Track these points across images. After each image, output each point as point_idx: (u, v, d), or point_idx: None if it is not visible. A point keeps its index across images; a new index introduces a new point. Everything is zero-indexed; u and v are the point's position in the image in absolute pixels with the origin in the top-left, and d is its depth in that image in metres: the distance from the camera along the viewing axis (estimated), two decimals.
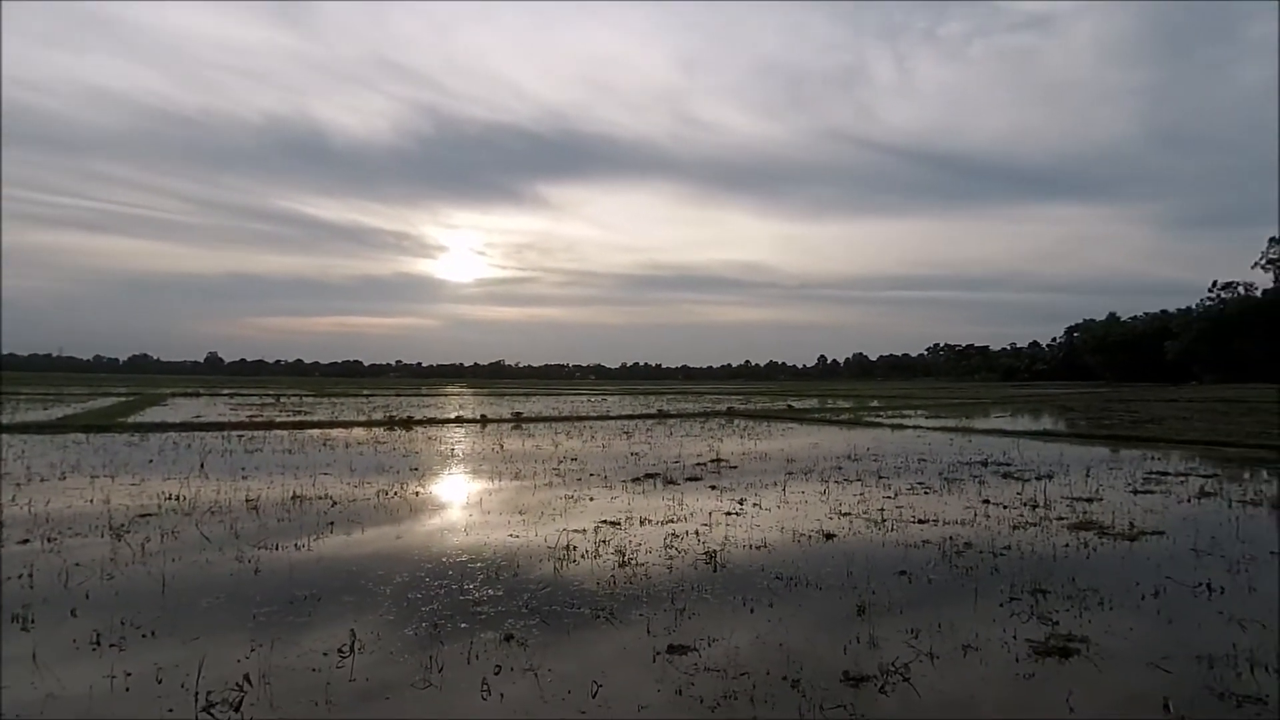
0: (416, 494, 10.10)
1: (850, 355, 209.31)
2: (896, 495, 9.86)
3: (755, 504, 9.23)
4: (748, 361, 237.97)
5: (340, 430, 20.84)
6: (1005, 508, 8.91)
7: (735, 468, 12.90)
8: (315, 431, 20.19)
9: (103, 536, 7.26)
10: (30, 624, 4.81)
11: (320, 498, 9.61)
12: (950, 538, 7.27)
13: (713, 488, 10.60)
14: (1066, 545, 6.97)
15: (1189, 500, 9.42)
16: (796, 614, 5.04)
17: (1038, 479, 11.30)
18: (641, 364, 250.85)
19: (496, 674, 4.05)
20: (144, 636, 4.59)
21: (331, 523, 8.06)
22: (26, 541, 7.02)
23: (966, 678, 4.02)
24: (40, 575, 5.88)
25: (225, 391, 49.58)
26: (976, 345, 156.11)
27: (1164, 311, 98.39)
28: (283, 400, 38.34)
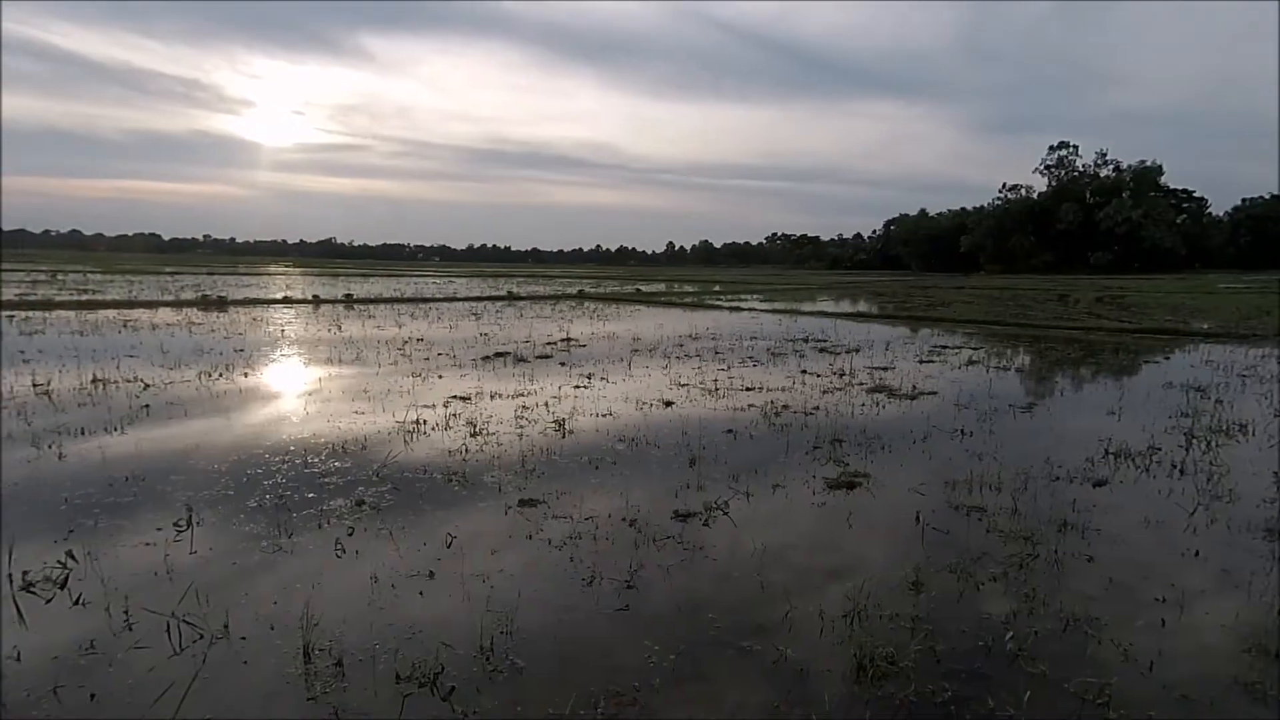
0: (245, 376, 9.47)
1: (697, 242, 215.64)
2: (730, 368, 10.81)
3: (602, 378, 9.72)
4: (599, 246, 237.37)
5: (143, 311, 18.48)
6: (819, 376, 10.13)
7: (584, 347, 13.31)
8: (111, 313, 17.75)
9: None
10: None
11: (129, 381, 8.72)
12: (772, 402, 8.22)
13: (562, 364, 10.95)
14: (863, 405, 8.17)
15: (960, 367, 11.27)
16: (636, 470, 5.59)
17: (848, 353, 12.85)
18: (490, 246, 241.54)
19: (350, 535, 4.19)
20: None
21: (146, 406, 7.42)
22: None
23: (774, 508, 4.78)
24: None
25: None
26: (809, 235, 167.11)
27: (963, 209, 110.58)
28: (61, 278, 32.86)
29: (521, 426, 6.87)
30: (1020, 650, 3.02)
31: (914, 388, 9.24)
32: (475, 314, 20.40)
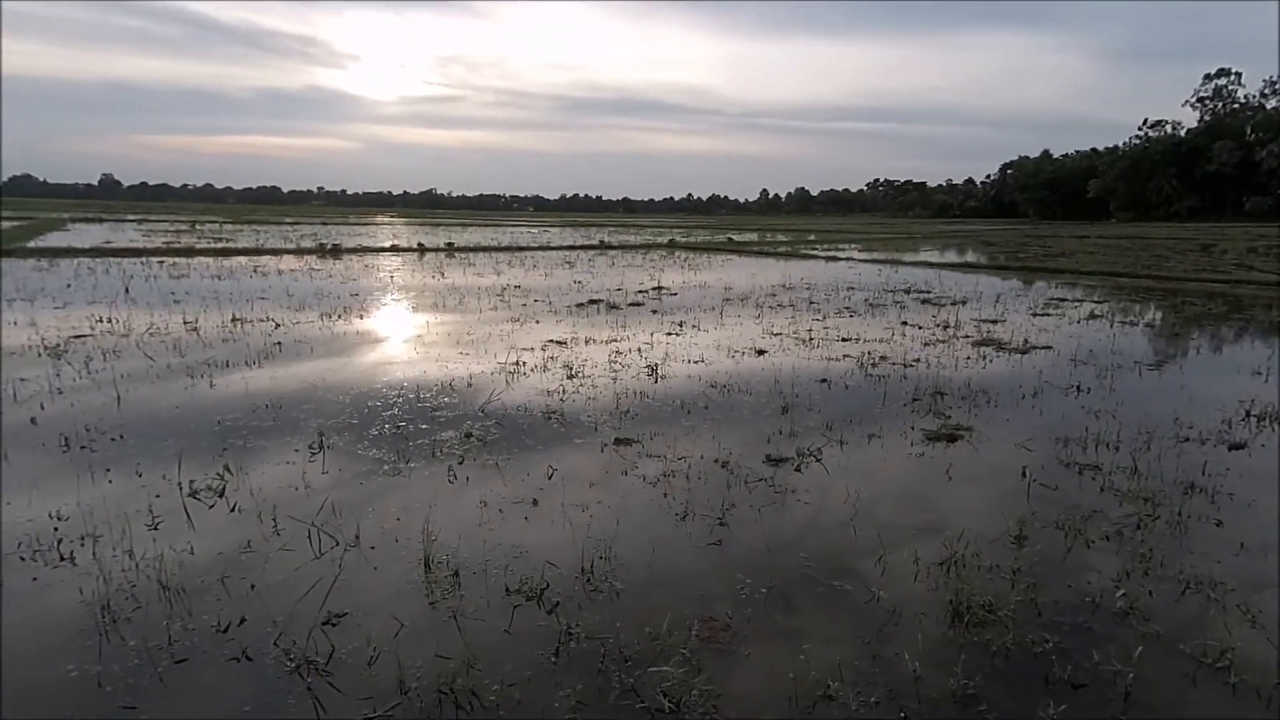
0: (360, 319, 10.15)
1: (793, 190, 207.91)
2: (825, 319, 10.55)
3: (694, 326, 9.75)
4: (690, 195, 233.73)
5: (269, 258, 20.02)
6: (920, 328, 9.72)
7: (675, 295, 13.33)
8: (242, 259, 19.35)
9: (40, 356, 7.16)
10: None
11: (262, 320, 9.56)
12: (869, 353, 8.00)
13: (654, 312, 11.05)
14: (968, 358, 7.81)
15: (1079, 322, 10.48)
16: (728, 414, 5.64)
17: (953, 305, 12.21)
18: (582, 195, 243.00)
19: (460, 464, 4.50)
20: (112, 440, 4.79)
21: (279, 343, 8.14)
22: None
23: (868, 457, 4.72)
24: None
25: (131, 217, 45.91)
26: (914, 181, 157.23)
27: (1093, 150, 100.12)
28: (199, 228, 35.97)
29: (615, 371, 7.05)
30: (1132, 608, 2.90)
31: (1025, 342, 8.71)
32: (569, 262, 20.76)
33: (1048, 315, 11.11)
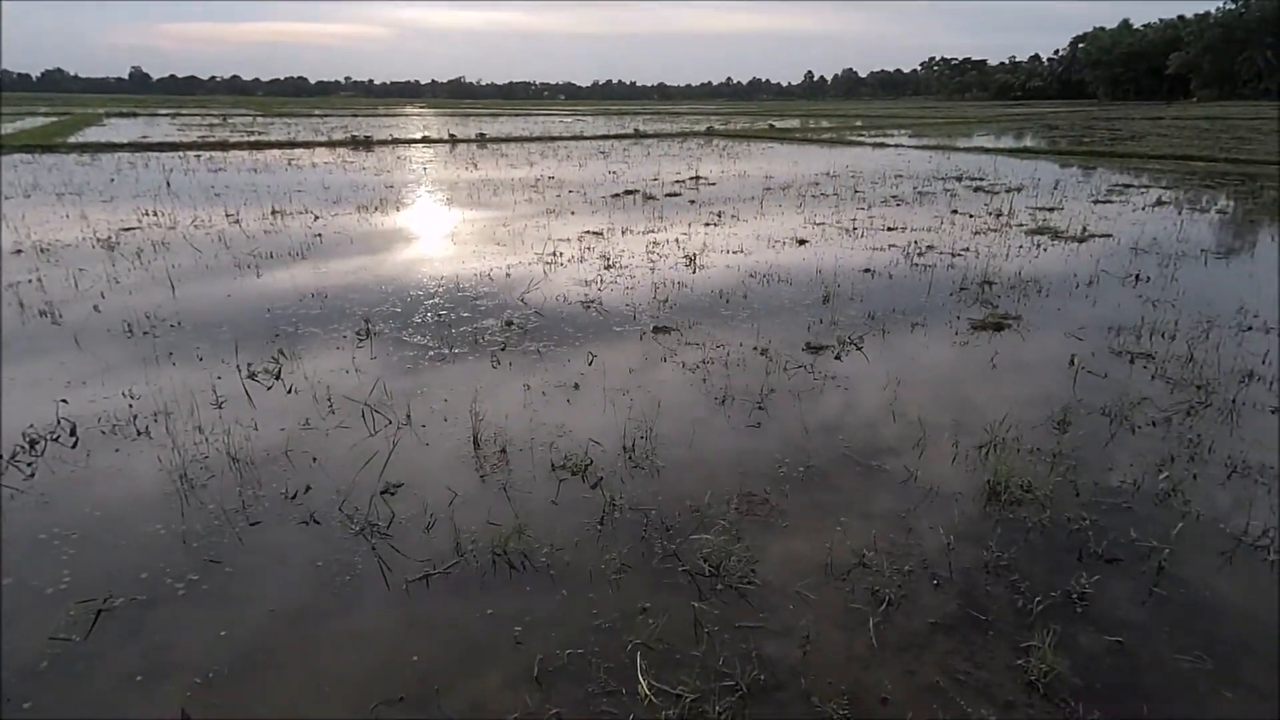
0: (396, 211, 10.12)
1: (839, 72, 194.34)
2: (870, 208, 10.13)
3: (733, 217, 9.48)
4: (729, 79, 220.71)
5: (302, 150, 19.85)
6: (971, 217, 9.29)
7: (714, 185, 12.90)
8: (276, 152, 19.23)
9: (94, 248, 7.37)
10: (59, 317, 5.16)
11: (301, 213, 9.61)
12: (915, 242, 7.72)
13: (692, 203, 10.75)
14: (1020, 247, 7.48)
15: (1143, 209, 9.87)
16: (767, 303, 5.58)
17: (1007, 192, 11.57)
18: (615, 82, 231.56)
19: (502, 349, 4.59)
20: (171, 327, 4.99)
21: (319, 235, 8.20)
22: (19, 251, 7.13)
23: (911, 346, 4.66)
24: (49, 281, 6.11)
25: (163, 112, 45.61)
26: (973, 60, 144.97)
27: (1179, 18, 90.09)
28: (230, 121, 35.61)
29: (653, 261, 6.96)
30: (1174, 490, 2.90)
31: (1083, 230, 8.28)
32: (603, 152, 20.12)
33: (1110, 203, 10.47)
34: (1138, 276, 6.23)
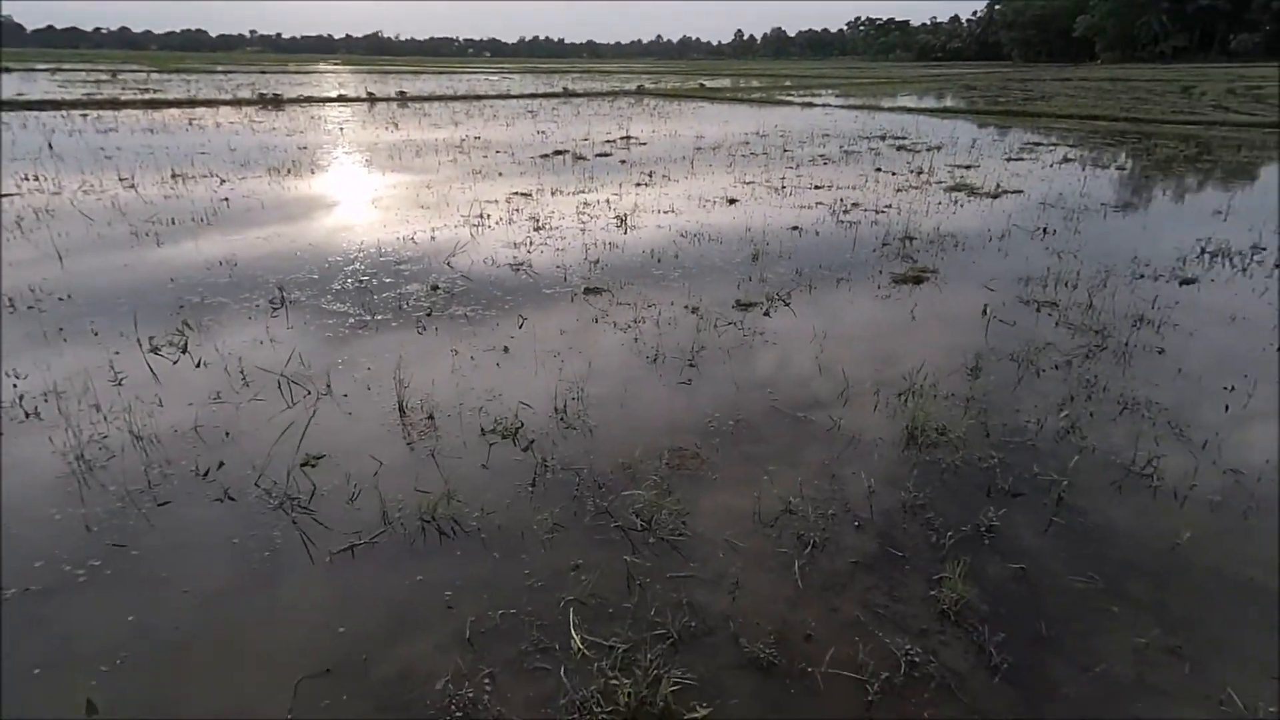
0: (311, 173, 9.59)
1: (769, 30, 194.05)
2: (798, 167, 10.25)
3: (664, 176, 9.42)
4: (659, 37, 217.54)
5: (205, 110, 18.47)
6: (894, 175, 9.53)
7: (645, 145, 12.76)
8: (175, 111, 17.82)
9: None
10: None
11: (205, 176, 8.98)
12: (841, 200, 7.87)
13: (623, 162, 10.61)
14: (939, 203, 7.73)
15: (1051, 166, 10.35)
16: (698, 262, 5.59)
17: (928, 151, 11.91)
18: (543, 38, 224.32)
19: (428, 315, 4.45)
20: (60, 300, 4.61)
21: (226, 200, 7.69)
22: None
23: (837, 300, 4.78)
24: None
25: (41, 67, 41.44)
26: (896, 20, 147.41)
27: None
28: (120, 77, 32.71)
29: (583, 222, 6.86)
30: (1072, 428, 3.10)
31: (997, 186, 8.63)
32: (531, 112, 19.56)
33: (1021, 160, 10.93)
34: (1045, 230, 6.55)
